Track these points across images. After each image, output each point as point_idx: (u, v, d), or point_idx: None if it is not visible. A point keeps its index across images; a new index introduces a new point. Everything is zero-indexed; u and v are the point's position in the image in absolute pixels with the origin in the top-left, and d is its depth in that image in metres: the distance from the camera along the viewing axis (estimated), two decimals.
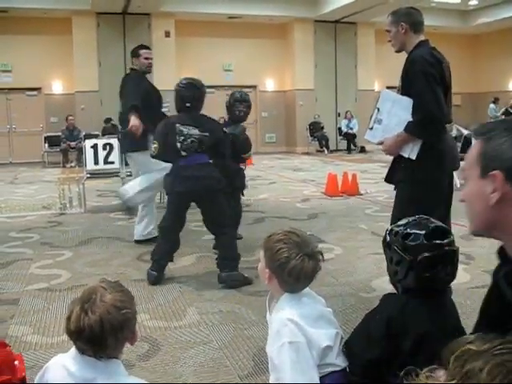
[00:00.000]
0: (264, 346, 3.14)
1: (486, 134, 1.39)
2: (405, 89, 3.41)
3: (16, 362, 1.89)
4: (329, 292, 4.03)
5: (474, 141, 1.44)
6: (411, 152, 3.35)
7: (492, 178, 1.34)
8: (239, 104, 5.43)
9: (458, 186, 9.28)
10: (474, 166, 1.40)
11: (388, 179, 3.58)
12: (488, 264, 4.71)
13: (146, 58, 5.74)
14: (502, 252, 1.50)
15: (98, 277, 4.58)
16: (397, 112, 3.40)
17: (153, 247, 4.64)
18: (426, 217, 2.12)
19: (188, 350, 3.16)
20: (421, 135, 3.32)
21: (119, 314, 1.57)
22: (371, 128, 3.54)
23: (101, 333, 1.54)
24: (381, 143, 3.49)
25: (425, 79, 3.26)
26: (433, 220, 2.08)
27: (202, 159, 4.38)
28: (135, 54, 5.78)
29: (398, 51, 3.58)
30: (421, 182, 3.41)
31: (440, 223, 2.08)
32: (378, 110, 3.51)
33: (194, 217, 7.11)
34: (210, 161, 4.45)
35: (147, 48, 5.93)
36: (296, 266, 1.97)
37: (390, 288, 4.09)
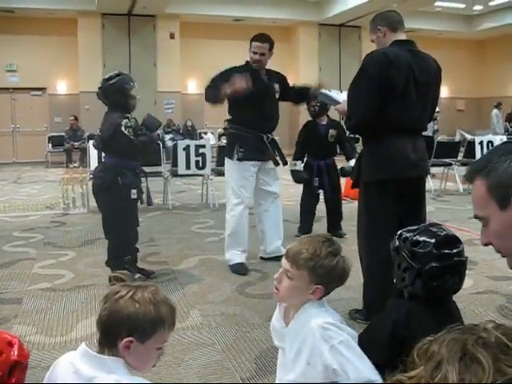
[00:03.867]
0: (267, 348, 3.16)
1: (483, 170, 1.32)
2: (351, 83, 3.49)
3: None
4: (332, 295, 3.98)
5: (476, 183, 1.34)
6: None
7: None
8: (310, 101, 5.70)
9: (461, 190, 9.32)
10: (488, 204, 1.31)
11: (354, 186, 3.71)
12: (491, 270, 4.71)
13: None
14: None
15: (100, 277, 4.60)
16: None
17: (155, 249, 4.64)
18: (437, 223, 2.11)
19: (191, 352, 3.16)
20: (346, 122, 3.52)
21: (133, 306, 1.57)
22: (329, 90, 3.88)
23: (111, 322, 1.56)
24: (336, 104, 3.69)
25: (363, 78, 3.31)
26: (443, 227, 2.07)
27: (105, 158, 4.51)
28: None
29: None
30: (366, 184, 3.48)
31: (451, 231, 2.05)
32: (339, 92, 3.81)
33: (197, 219, 7.16)
34: (111, 160, 4.36)
35: None
36: (349, 269, 1.97)
37: None
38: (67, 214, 7.60)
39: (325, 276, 1.89)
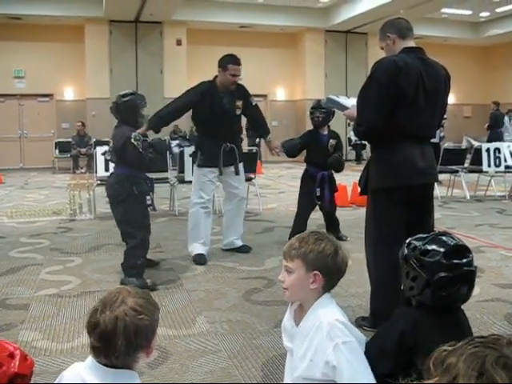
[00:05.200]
0: (273, 356, 3.16)
1: None
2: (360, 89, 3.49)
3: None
4: (338, 303, 3.98)
5: None
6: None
7: None
8: (315, 111, 6.03)
9: (468, 197, 9.30)
10: None
11: (362, 193, 3.74)
12: (498, 277, 4.69)
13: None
14: None
15: (107, 283, 4.61)
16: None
17: (161, 255, 4.64)
18: (447, 232, 2.10)
19: (197, 359, 3.16)
20: (355, 129, 3.50)
21: (136, 318, 1.57)
22: (337, 96, 3.81)
23: (113, 331, 1.55)
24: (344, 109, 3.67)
25: (372, 85, 3.30)
26: (453, 236, 2.06)
27: (116, 169, 4.78)
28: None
29: None
30: (374, 191, 3.49)
31: (460, 241, 2.04)
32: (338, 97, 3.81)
33: None
34: (124, 171, 4.66)
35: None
36: (344, 255, 2.04)
37: None
38: (74, 220, 7.62)
39: (318, 260, 2.00)
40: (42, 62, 16.52)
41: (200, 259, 5.29)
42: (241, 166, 5.61)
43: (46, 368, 3.04)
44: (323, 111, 6.00)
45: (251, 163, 8.19)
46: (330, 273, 2.02)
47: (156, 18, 16.20)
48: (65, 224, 7.34)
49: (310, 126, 6.37)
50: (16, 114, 17.03)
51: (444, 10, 17.24)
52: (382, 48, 3.54)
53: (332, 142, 6.14)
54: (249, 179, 8.64)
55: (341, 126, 18.72)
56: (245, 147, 8.00)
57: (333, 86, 18.72)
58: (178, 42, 17.05)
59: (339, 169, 6.15)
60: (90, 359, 1.60)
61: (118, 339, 1.55)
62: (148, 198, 4.68)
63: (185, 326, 3.68)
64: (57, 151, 16.02)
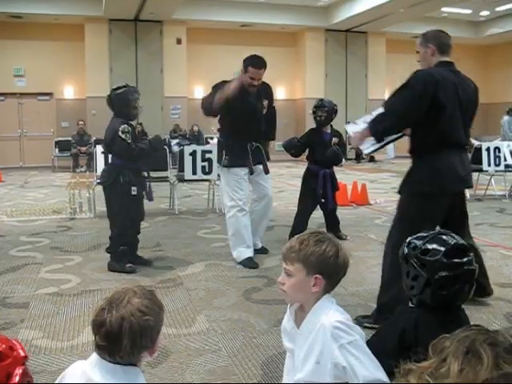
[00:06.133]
0: (273, 355, 3.16)
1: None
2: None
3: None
4: (338, 302, 3.97)
5: None
6: (366, 148, 3.64)
7: None
8: (317, 110, 6.12)
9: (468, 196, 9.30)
10: None
11: (399, 190, 3.79)
12: (498, 277, 4.69)
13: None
14: None
15: (107, 282, 4.61)
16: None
17: (161, 254, 4.64)
18: (447, 231, 2.09)
19: (197, 358, 3.16)
20: (371, 128, 3.52)
21: (141, 319, 1.58)
22: (355, 123, 3.83)
23: (118, 331, 1.55)
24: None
25: (408, 90, 3.44)
26: (453, 235, 2.06)
27: (111, 160, 5.18)
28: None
29: None
30: (412, 196, 3.60)
31: (461, 240, 2.04)
32: (372, 113, 3.78)
33: (203, 224, 7.16)
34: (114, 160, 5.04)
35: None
36: (345, 256, 1.98)
37: None
38: (74, 219, 7.62)
39: (319, 263, 1.94)
40: (42, 61, 16.52)
41: (250, 263, 5.10)
42: (268, 164, 5.47)
43: (45, 367, 3.04)
44: (325, 110, 6.07)
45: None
46: (331, 275, 1.97)
47: (156, 16, 16.19)
48: (65, 223, 7.35)
49: (310, 125, 6.40)
50: (16, 113, 17.03)
51: (444, 9, 17.23)
52: (418, 52, 3.77)
53: (335, 140, 6.18)
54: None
55: (341, 124, 18.76)
56: None
57: (333, 85, 18.75)
58: (178, 41, 17.04)
59: (336, 161, 6.17)
60: (95, 356, 1.60)
61: (123, 339, 1.55)
62: (134, 188, 4.85)
63: (185, 325, 3.68)
64: (57, 150, 16.03)
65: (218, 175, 8.34)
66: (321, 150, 6.07)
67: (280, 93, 19.34)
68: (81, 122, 15.70)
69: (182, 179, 8.29)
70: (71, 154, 15.44)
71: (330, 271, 1.96)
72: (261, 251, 5.57)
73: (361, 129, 3.65)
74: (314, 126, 6.29)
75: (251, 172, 5.25)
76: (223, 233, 6.56)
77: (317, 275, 1.94)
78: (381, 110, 3.64)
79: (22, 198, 9.90)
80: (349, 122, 3.97)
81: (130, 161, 4.89)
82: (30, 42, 16.38)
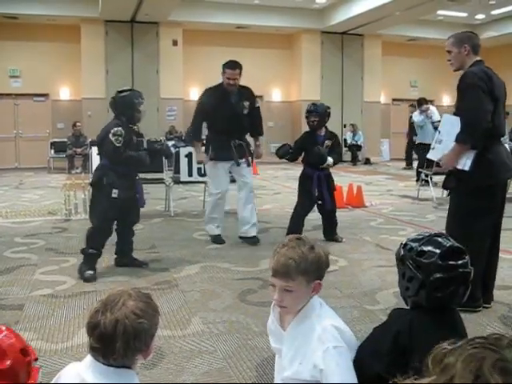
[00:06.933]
0: (268, 357, 3.15)
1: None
2: (457, 103, 3.87)
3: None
4: (333, 304, 4.01)
5: None
6: (465, 164, 3.74)
7: None
8: (310, 115, 6.12)
9: None
10: None
11: (444, 186, 4.16)
12: (497, 280, 4.69)
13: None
14: None
15: (102, 284, 4.60)
16: (455, 132, 3.75)
17: (156, 256, 4.64)
18: (443, 234, 2.10)
19: (192, 360, 3.15)
20: (466, 140, 3.68)
21: (135, 321, 1.58)
22: (433, 148, 4.02)
23: (112, 334, 1.55)
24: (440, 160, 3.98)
25: (472, 90, 3.65)
26: (449, 238, 2.06)
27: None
28: None
29: (456, 70, 3.96)
30: (471, 190, 3.79)
31: (456, 243, 2.05)
32: (439, 132, 3.99)
33: (198, 226, 7.15)
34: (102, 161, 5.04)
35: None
36: (326, 250, 2.08)
37: (394, 301, 4.09)
38: (69, 220, 7.60)
39: (318, 270, 2.00)
40: (38, 62, 16.47)
41: (218, 240, 6.13)
42: (249, 159, 6.19)
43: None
44: (318, 114, 6.06)
45: None
46: (323, 274, 2.06)
47: (152, 18, 16.17)
48: (60, 224, 7.33)
49: (306, 127, 6.41)
50: (11, 114, 16.97)
51: (439, 12, 17.28)
52: (449, 51, 3.92)
53: (327, 142, 6.17)
54: None
55: (337, 127, 18.79)
56: None
57: (329, 87, 18.77)
58: (174, 43, 17.03)
59: (319, 161, 6.05)
60: (90, 358, 1.60)
61: (117, 342, 1.55)
62: (115, 191, 4.80)
63: (180, 327, 3.68)
64: (52, 151, 15.99)
65: None
66: (312, 152, 6.07)
67: (276, 95, 19.37)
68: (78, 124, 15.66)
69: (177, 181, 8.29)
70: (67, 155, 15.40)
71: (324, 271, 2.04)
72: (251, 241, 6.10)
73: (446, 150, 3.81)
74: (308, 127, 6.30)
75: (237, 164, 6.01)
76: None
77: (316, 281, 2.01)
78: (449, 121, 3.86)
79: (17, 199, 9.87)
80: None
81: (116, 163, 4.87)
82: (26, 43, 16.34)
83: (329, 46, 18.83)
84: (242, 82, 6.09)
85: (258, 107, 6.32)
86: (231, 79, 5.87)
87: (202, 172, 8.04)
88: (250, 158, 6.19)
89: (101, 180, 4.84)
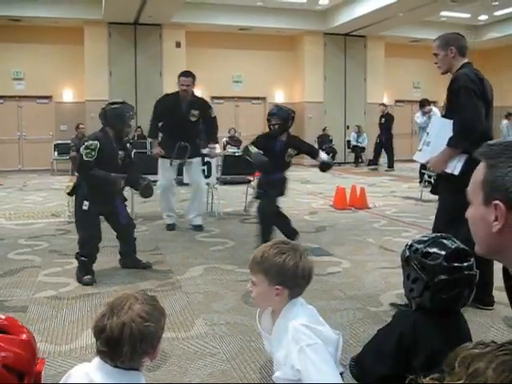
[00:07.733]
0: (271, 359, 3.14)
1: (491, 159, 1.34)
2: (448, 105, 3.83)
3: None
4: (336, 305, 4.02)
5: (480, 164, 1.38)
6: (454, 168, 3.67)
7: (495, 207, 1.29)
8: (271, 118, 5.60)
9: None
10: (478, 191, 1.35)
11: (433, 191, 3.98)
12: (496, 280, 4.67)
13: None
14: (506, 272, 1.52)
15: (105, 286, 4.60)
16: (444, 135, 3.71)
17: (160, 257, 4.63)
18: (448, 236, 2.10)
19: (195, 362, 3.16)
20: (459, 144, 3.61)
21: (142, 325, 1.58)
22: (420, 149, 3.96)
23: (119, 338, 1.56)
24: (427, 162, 3.93)
25: (465, 93, 3.60)
26: (455, 240, 2.06)
27: None
28: None
29: (444, 73, 3.93)
30: (460, 192, 3.60)
31: (461, 245, 2.05)
32: (428, 133, 3.93)
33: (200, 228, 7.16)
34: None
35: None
36: (304, 266, 2.05)
37: (397, 303, 4.07)
38: (72, 222, 7.58)
39: (279, 276, 2.02)
40: (41, 64, 16.51)
41: (169, 227, 7.05)
42: (198, 160, 7.14)
43: (44, 370, 3.03)
44: (280, 118, 5.55)
45: (250, 166, 8.16)
46: (292, 284, 2.05)
47: (155, 20, 16.19)
48: (63, 226, 7.34)
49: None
50: (15, 116, 17.01)
51: (443, 14, 17.26)
52: (436, 54, 3.85)
53: (291, 151, 5.69)
54: (248, 181, 8.66)
55: (340, 128, 18.78)
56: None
57: (332, 89, 18.77)
58: (178, 45, 17.04)
59: (260, 167, 5.64)
60: (98, 360, 1.61)
61: (123, 345, 1.56)
62: (85, 203, 4.68)
63: (183, 329, 3.68)
64: (56, 153, 16.01)
65: (217, 179, 8.42)
66: (269, 157, 5.46)
67: (279, 96, 19.36)
68: (81, 126, 15.67)
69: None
70: (70, 157, 15.38)
71: (290, 281, 2.03)
72: (194, 228, 6.99)
73: (435, 152, 3.76)
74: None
75: (170, 163, 6.87)
76: (222, 236, 6.59)
77: (277, 286, 2.03)
78: (439, 123, 3.86)
79: (21, 201, 9.89)
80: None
81: (83, 178, 4.80)
82: (29, 45, 16.37)
83: (332, 47, 18.83)
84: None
85: (215, 117, 7.02)
86: (184, 85, 6.70)
87: (205, 174, 8.04)
88: (198, 158, 7.09)
89: (75, 189, 4.83)
